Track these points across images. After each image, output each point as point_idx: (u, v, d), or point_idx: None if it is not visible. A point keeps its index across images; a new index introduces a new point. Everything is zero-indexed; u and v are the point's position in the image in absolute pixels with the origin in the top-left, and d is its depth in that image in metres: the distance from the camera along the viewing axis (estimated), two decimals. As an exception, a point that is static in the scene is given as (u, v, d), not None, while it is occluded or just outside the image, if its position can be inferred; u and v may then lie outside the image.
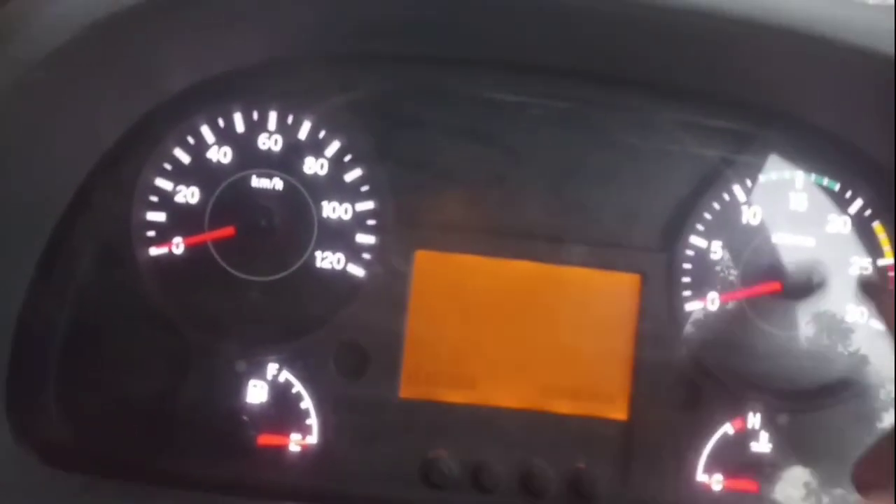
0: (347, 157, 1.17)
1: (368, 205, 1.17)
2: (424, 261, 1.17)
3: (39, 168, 1.00)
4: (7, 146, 0.90)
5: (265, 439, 1.15)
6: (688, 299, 1.16)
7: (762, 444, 1.16)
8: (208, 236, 1.15)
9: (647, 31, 1.00)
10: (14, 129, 0.89)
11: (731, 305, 1.17)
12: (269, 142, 1.16)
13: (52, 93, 0.90)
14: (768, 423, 1.16)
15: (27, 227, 1.04)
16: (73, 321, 1.13)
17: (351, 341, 1.16)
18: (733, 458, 1.16)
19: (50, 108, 0.93)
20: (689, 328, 1.16)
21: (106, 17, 0.85)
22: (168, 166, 1.15)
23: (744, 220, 1.17)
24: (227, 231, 1.14)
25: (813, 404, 1.17)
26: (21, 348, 1.07)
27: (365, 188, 1.17)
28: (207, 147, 1.16)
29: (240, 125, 1.16)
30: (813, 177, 1.18)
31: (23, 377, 1.08)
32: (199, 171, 1.15)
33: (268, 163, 1.16)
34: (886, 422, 1.16)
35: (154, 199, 1.15)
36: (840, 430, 1.16)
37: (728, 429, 1.16)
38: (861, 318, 1.17)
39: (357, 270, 1.16)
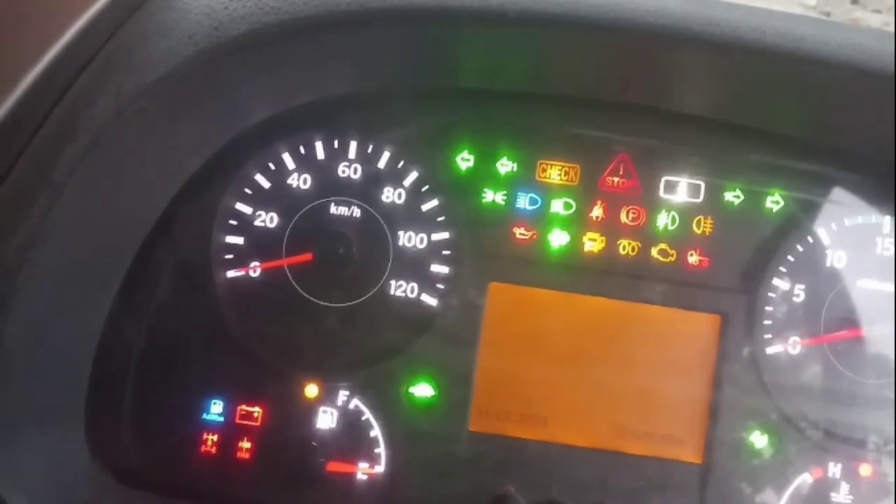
0: (425, 188, 1.17)
1: (444, 235, 1.17)
2: (498, 293, 1.16)
3: (129, 192, 1.02)
4: (103, 171, 0.91)
5: (333, 466, 1.15)
6: (768, 342, 1.14)
7: (842, 495, 1.13)
8: (287, 261, 1.15)
9: (737, 77, 0.99)
10: (111, 155, 0.91)
11: (812, 350, 1.14)
12: (349, 170, 1.17)
13: (148, 121, 0.92)
14: (849, 473, 1.13)
15: (113, 249, 1.06)
16: (150, 343, 1.14)
17: (422, 371, 1.15)
18: (811, 507, 1.13)
19: (145, 135, 0.94)
20: (768, 372, 1.14)
21: (208, 48, 0.87)
22: (248, 191, 1.17)
23: (828, 264, 1.15)
24: (306, 257, 1.15)
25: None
26: (101, 368, 1.08)
27: (441, 219, 1.17)
28: (288, 174, 1.17)
29: (320, 153, 1.17)
30: (901, 221, 1.15)
31: (101, 397, 1.09)
32: (279, 197, 1.17)
33: (346, 191, 1.17)
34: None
35: (233, 222, 1.17)
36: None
37: (807, 477, 1.13)
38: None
39: (430, 300, 1.16)
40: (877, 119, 1.05)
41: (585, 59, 1.04)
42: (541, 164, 1.17)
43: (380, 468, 1.15)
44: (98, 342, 1.08)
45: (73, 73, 0.87)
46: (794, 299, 1.14)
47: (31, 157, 0.85)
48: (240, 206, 1.16)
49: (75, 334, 1.04)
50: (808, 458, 1.13)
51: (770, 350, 1.14)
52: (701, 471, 1.13)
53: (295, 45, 0.93)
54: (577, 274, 1.16)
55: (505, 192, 1.17)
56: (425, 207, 1.17)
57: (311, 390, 1.16)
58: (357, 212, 1.17)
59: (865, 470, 1.13)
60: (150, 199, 1.09)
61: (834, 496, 1.13)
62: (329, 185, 1.17)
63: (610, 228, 1.16)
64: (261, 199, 1.17)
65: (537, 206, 1.17)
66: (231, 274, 1.16)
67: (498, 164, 1.17)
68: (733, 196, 1.16)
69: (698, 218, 1.16)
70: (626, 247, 1.16)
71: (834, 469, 1.13)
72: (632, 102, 1.13)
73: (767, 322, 1.14)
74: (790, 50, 0.90)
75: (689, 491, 1.13)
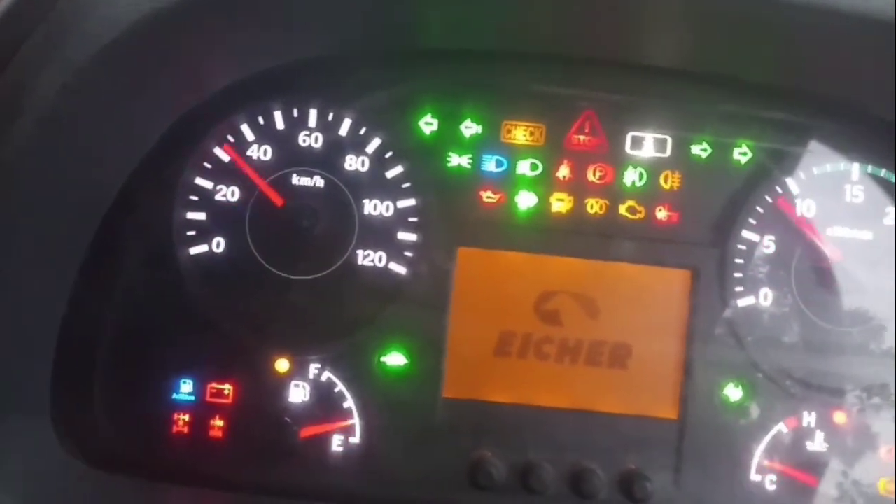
0: (389, 154, 1.15)
1: (410, 202, 1.15)
2: (467, 258, 1.15)
3: (84, 169, 0.99)
4: (54, 147, 0.89)
5: (308, 440, 1.14)
6: (740, 295, 1.14)
7: (817, 444, 1.13)
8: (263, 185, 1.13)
9: (710, 23, 0.97)
10: (61, 129, 0.88)
11: (784, 301, 1.14)
12: (310, 139, 1.15)
13: (98, 93, 0.89)
14: (824, 422, 1.13)
15: (72, 229, 1.03)
16: (115, 323, 1.12)
17: (393, 340, 1.14)
18: (787, 457, 1.13)
19: (95, 108, 0.92)
20: (741, 325, 1.13)
21: (152, 13, 0.84)
22: (208, 165, 1.14)
23: (797, 214, 1.14)
24: (277, 200, 1.13)
25: (868, 402, 1.13)
26: (65, 351, 1.06)
27: (406, 185, 1.15)
28: (248, 145, 1.14)
29: (280, 123, 1.14)
30: (869, 168, 1.14)
31: (67, 380, 1.07)
32: (240, 170, 1.14)
33: (308, 161, 1.15)
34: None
35: (194, 198, 1.14)
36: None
37: (782, 427, 1.13)
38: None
39: (399, 269, 1.15)
40: (852, 62, 1.03)
41: (551, 11, 1.01)
42: (505, 124, 1.15)
43: (355, 439, 1.14)
44: (61, 323, 1.05)
45: (13, 45, 0.84)
46: (765, 250, 1.14)
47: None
48: (200, 181, 1.14)
49: (37, 314, 1.02)
50: (782, 409, 1.14)
51: (742, 303, 1.14)
52: (677, 426, 1.13)
53: (239, 10, 0.91)
54: (545, 235, 1.14)
55: (470, 156, 1.15)
56: (390, 174, 1.15)
57: (282, 365, 1.14)
58: (320, 182, 1.15)
59: (840, 417, 1.14)
60: (108, 174, 1.06)
61: (809, 445, 1.13)
62: (290, 156, 1.14)
63: (577, 187, 1.15)
64: (221, 173, 1.14)
65: (503, 168, 1.15)
66: (195, 250, 1.14)
67: (462, 127, 1.15)
68: (700, 149, 1.15)
69: (666, 173, 1.15)
70: (593, 205, 1.15)
71: (808, 418, 1.14)
72: (598, 57, 1.11)
73: (738, 275, 1.14)
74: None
75: (666, 446, 1.13)
